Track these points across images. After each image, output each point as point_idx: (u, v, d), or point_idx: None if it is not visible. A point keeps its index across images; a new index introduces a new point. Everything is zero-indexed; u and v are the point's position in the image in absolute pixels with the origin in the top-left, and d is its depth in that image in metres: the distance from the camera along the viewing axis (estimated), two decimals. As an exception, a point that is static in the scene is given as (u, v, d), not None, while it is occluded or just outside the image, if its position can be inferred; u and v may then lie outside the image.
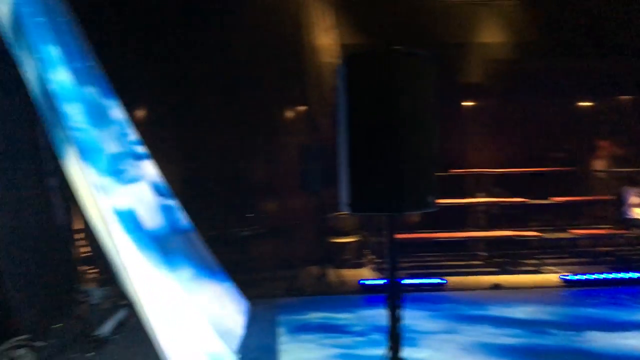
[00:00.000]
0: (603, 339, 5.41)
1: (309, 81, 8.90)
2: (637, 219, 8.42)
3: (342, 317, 6.39)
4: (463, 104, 10.28)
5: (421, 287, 7.43)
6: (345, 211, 2.59)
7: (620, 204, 8.68)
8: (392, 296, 2.69)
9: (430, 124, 2.58)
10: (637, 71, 9.33)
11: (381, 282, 7.47)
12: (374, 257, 8.94)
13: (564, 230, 9.07)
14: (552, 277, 7.91)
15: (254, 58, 8.56)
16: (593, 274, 7.65)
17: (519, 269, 8.50)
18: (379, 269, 8.48)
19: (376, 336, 5.61)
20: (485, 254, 9.29)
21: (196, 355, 3.97)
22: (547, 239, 8.92)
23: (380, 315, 6.64)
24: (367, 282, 7.52)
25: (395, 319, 2.68)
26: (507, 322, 5.98)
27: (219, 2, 8.38)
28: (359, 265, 9.01)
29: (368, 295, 7.30)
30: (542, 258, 8.83)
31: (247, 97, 8.82)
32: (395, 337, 2.67)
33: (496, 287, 7.53)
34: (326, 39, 8.86)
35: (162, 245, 4.62)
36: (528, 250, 8.99)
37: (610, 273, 7.67)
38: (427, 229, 8.85)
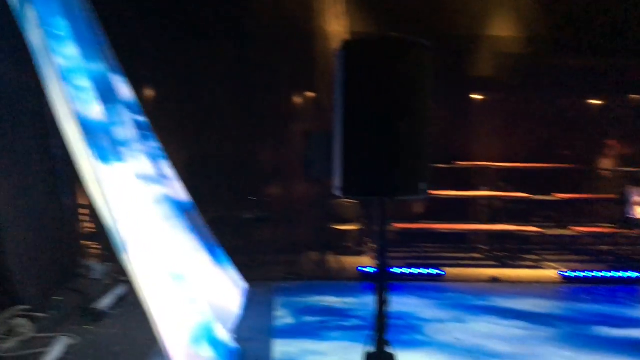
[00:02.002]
0: (608, 333, 5.47)
1: (318, 68, 8.90)
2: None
3: (344, 302, 6.46)
4: (472, 96, 10.24)
5: (420, 277, 7.48)
6: (337, 195, 2.63)
7: (623, 203, 8.66)
8: (381, 279, 2.73)
9: (426, 113, 2.61)
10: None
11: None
12: (373, 245, 9.00)
13: (565, 227, 9.07)
14: (550, 273, 7.94)
15: (264, 42, 8.57)
16: (592, 271, 7.68)
17: (519, 263, 8.52)
18: (379, 258, 8.53)
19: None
20: (485, 247, 9.33)
21: (191, 332, 4.04)
22: (547, 235, 8.94)
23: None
24: (366, 270, 7.58)
25: (382, 303, 2.73)
26: (512, 314, 6.02)
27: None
28: (359, 253, 9.07)
29: (367, 282, 7.36)
30: (542, 254, 8.84)
31: (256, 82, 8.84)
32: (382, 321, 2.71)
33: (494, 280, 7.57)
34: (337, 25, 8.85)
35: (164, 218, 4.69)
36: (528, 245, 9.02)
37: (610, 271, 7.68)
38: (430, 220, 8.89)
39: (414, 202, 8.62)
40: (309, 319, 5.78)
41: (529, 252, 8.90)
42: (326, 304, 6.37)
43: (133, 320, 5.20)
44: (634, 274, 7.60)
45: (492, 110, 10.07)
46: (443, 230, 8.73)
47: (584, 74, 9.44)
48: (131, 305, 5.65)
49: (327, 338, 5.14)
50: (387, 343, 2.69)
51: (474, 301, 6.52)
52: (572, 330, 5.53)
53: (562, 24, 8.89)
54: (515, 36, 9.15)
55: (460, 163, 9.18)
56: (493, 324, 5.62)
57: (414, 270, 7.55)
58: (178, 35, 8.36)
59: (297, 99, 9.67)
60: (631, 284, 7.49)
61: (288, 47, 8.61)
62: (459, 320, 5.73)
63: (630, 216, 8.53)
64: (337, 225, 8.89)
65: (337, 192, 2.62)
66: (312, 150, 7.81)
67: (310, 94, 9.52)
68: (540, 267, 8.36)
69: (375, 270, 2.80)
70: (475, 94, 10.24)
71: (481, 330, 5.41)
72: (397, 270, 7.51)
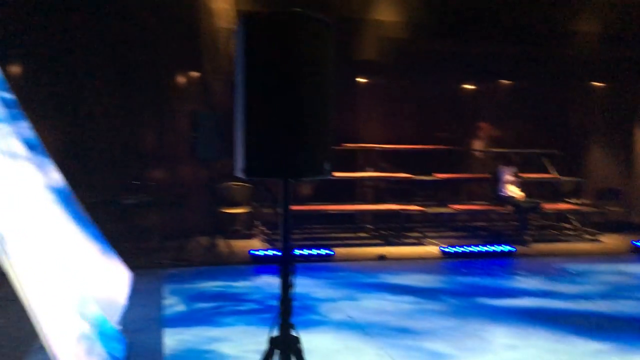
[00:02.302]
0: (489, 303, 5.82)
1: (203, 46, 8.60)
2: (511, 196, 9.06)
3: (238, 286, 6.36)
4: (357, 80, 10.43)
5: (310, 258, 7.55)
6: (239, 176, 2.52)
7: (495, 181, 9.29)
8: (285, 263, 2.68)
9: (329, 91, 2.56)
10: (517, 56, 9.93)
11: (271, 252, 7.49)
12: (264, 228, 8.95)
13: (444, 206, 9.58)
14: (432, 249, 8.36)
15: (146, 18, 8.12)
16: (469, 246, 8.17)
17: (403, 241, 8.88)
18: (269, 240, 8.50)
19: (275, 303, 5.63)
20: (371, 226, 9.62)
21: (73, 326, 3.75)
22: (429, 213, 9.39)
23: (276, 284, 6.68)
24: (257, 253, 7.51)
25: (286, 286, 2.68)
26: (401, 289, 6.24)
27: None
28: (249, 236, 8.99)
29: (259, 265, 7.30)
30: (424, 231, 9.28)
31: (138, 60, 8.38)
32: (287, 304, 2.67)
33: (381, 258, 7.82)
34: (222, 2, 8.58)
35: (39, 204, 4.29)
36: (411, 223, 9.42)
37: (485, 246, 8.22)
38: (318, 201, 8.99)
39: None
40: (201, 305, 5.61)
41: (412, 229, 9.30)
42: (219, 289, 6.23)
43: (13, 315, 4.75)
44: (506, 248, 8.19)
45: (376, 94, 10.33)
46: (331, 212, 8.88)
47: (460, 60, 9.92)
48: (9, 299, 5.17)
49: (223, 324, 5.02)
50: (292, 326, 2.65)
51: (363, 279, 6.70)
52: (457, 302, 5.85)
53: (441, 11, 9.26)
54: (398, 21, 9.40)
55: (347, 145, 9.34)
56: (383, 300, 5.80)
57: (305, 252, 7.60)
58: (54, 8, 7.67)
59: (182, 79, 9.29)
60: (504, 257, 8.06)
61: (172, 25, 8.23)
62: (351, 299, 5.85)
63: (502, 194, 9.16)
64: (226, 208, 8.72)
65: (239, 174, 2.51)
66: (200, 131, 7.56)
67: (195, 73, 9.19)
68: (423, 244, 8.78)
69: (280, 253, 2.73)
70: (360, 78, 10.44)
71: (373, 307, 5.57)
72: (288, 252, 7.51)
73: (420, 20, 9.31)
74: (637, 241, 8.59)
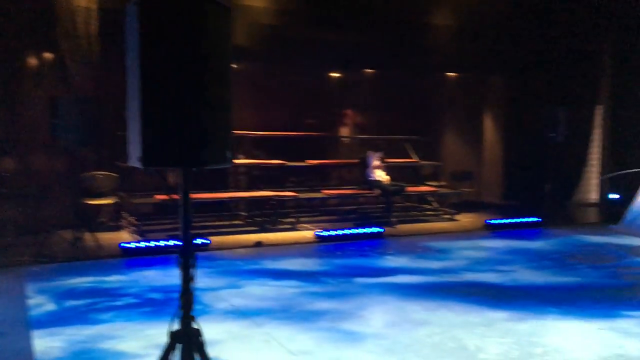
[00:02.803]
0: (366, 282, 6.08)
1: (61, 26, 7.97)
2: (378, 181, 9.52)
3: (110, 281, 6.03)
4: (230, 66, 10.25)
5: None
6: (135, 165, 2.40)
7: (364, 167, 9.69)
8: (186, 254, 2.61)
9: (229, 77, 2.53)
10: (381, 46, 10.36)
11: (144, 244, 7.20)
12: (132, 219, 8.57)
13: (317, 191, 9.83)
14: (307, 234, 8.55)
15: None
16: (342, 229, 8.47)
17: (278, 227, 8.98)
18: (140, 232, 8.16)
19: (154, 296, 5.45)
20: (245, 213, 9.61)
21: None
22: (302, 199, 9.57)
23: (152, 276, 6.43)
24: (128, 245, 7.18)
25: (187, 278, 2.61)
26: (281, 274, 6.31)
27: None
28: (117, 228, 8.57)
29: (131, 258, 6.98)
30: (298, 216, 9.45)
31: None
32: (187, 296, 2.60)
33: (258, 244, 7.84)
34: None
35: None
36: (285, 209, 9.54)
37: (356, 228, 8.56)
38: (190, 190, 8.76)
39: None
40: (73, 303, 5.26)
41: (287, 215, 9.42)
42: (89, 284, 5.88)
43: None
44: (375, 229, 8.60)
45: (248, 80, 10.26)
46: (204, 200, 8.72)
47: (330, 48, 10.15)
48: None
49: (100, 321, 4.75)
50: (192, 319, 2.59)
51: (243, 266, 6.68)
52: (337, 282, 6.06)
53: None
54: (269, 7, 9.40)
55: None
56: (265, 286, 5.84)
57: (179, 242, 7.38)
58: None
59: (35, 60, 8.54)
60: (373, 238, 8.45)
61: (25, 1, 7.54)
62: (233, 287, 5.82)
63: (370, 178, 9.59)
64: (90, 200, 8.21)
65: (135, 163, 2.39)
66: (61, 117, 7.03)
67: (50, 55, 8.48)
68: (297, 229, 8.94)
69: (180, 244, 2.66)
70: (232, 64, 10.27)
71: (255, 294, 5.59)
72: (162, 243, 7.28)
73: (292, 7, 9.39)
74: (489, 219, 9.46)
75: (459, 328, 4.63)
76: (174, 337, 2.57)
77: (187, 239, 2.61)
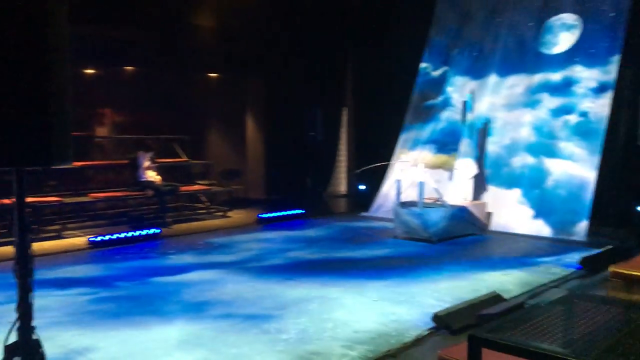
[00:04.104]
0: (162, 281, 6.03)
1: None
2: (150, 181, 9.31)
3: None
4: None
5: None
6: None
7: (135, 167, 9.38)
8: (23, 263, 2.41)
9: (66, 72, 2.41)
10: (144, 44, 10.13)
11: None
12: None
13: (84, 195, 9.21)
14: (77, 241, 8.00)
15: None
16: (117, 233, 8.11)
17: (41, 236, 8.19)
18: None
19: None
20: None
21: None
22: (67, 204, 8.88)
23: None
24: None
25: (25, 288, 2.41)
26: (70, 282, 5.89)
27: None
28: None
29: None
30: (65, 223, 8.74)
31: None
32: (25, 307, 2.40)
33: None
34: None
35: None
36: (47, 216, 8.74)
37: (132, 231, 8.28)
38: None
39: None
40: None
41: (51, 223, 8.64)
42: None
43: None
44: (152, 231, 8.43)
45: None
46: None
47: (86, 43, 9.55)
48: None
49: None
50: (32, 330, 2.41)
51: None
52: (130, 285, 5.90)
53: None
54: None
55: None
56: (53, 296, 5.38)
57: None
58: None
59: None
60: (151, 240, 8.27)
61: None
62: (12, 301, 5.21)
63: (142, 179, 9.33)
64: None
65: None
66: None
67: None
68: (65, 237, 8.28)
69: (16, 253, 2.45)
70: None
71: (41, 305, 5.10)
72: None
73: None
74: (260, 214, 10.00)
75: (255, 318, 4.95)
76: (11, 350, 2.37)
77: (23, 247, 2.41)
